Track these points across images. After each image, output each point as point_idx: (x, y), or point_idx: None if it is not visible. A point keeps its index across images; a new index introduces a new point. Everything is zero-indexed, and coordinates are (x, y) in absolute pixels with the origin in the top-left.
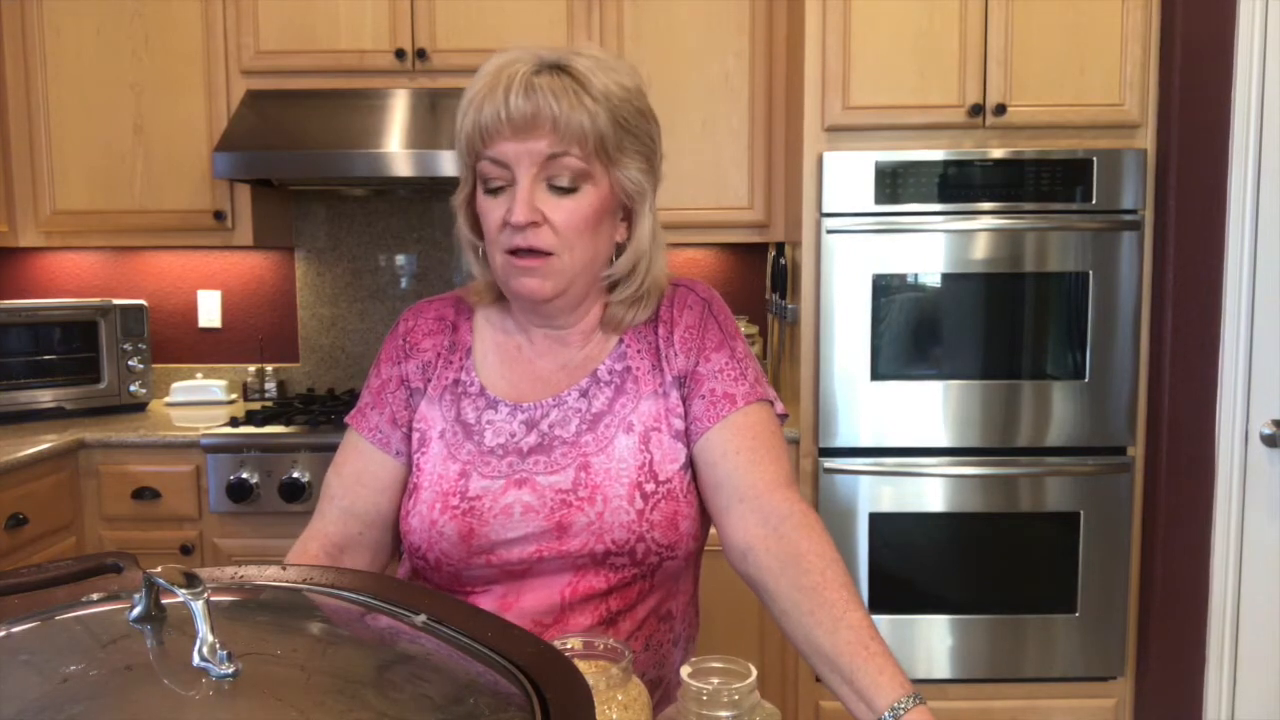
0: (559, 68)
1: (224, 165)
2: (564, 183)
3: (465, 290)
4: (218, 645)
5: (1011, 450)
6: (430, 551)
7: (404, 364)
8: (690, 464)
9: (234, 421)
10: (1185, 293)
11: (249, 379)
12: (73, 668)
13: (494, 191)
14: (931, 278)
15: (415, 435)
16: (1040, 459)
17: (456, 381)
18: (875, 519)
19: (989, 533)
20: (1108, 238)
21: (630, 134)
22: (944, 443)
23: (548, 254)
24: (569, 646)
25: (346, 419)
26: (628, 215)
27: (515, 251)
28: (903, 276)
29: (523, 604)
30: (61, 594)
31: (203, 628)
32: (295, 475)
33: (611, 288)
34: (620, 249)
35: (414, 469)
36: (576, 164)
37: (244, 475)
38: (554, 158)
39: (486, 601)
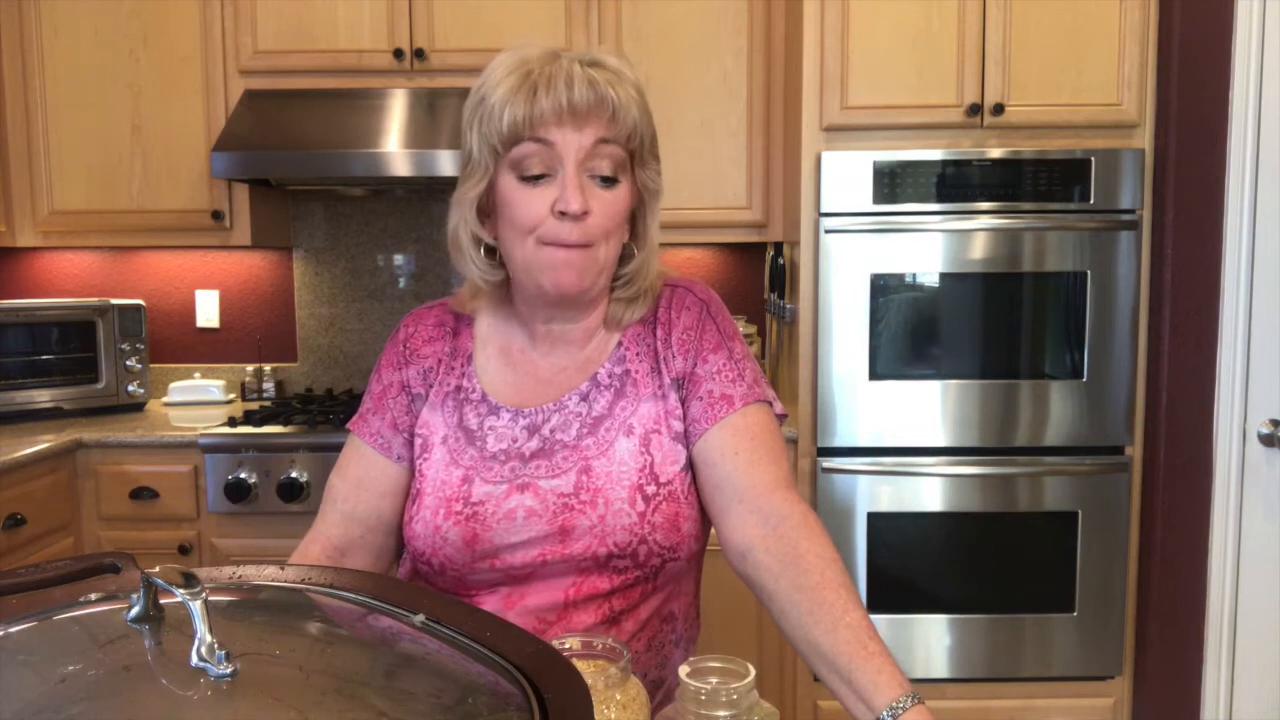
0: (597, 63)
1: (222, 165)
2: (606, 171)
3: (456, 301)
4: (216, 645)
5: (1009, 450)
6: (434, 557)
7: (405, 370)
8: (690, 465)
9: (232, 421)
10: (1183, 292)
11: (247, 379)
12: (71, 668)
13: (532, 184)
14: (930, 277)
15: (418, 441)
16: (1038, 459)
17: (458, 388)
18: (874, 519)
19: (987, 532)
20: (1106, 237)
21: (652, 134)
22: (942, 442)
23: (589, 245)
24: (567, 646)
25: (348, 425)
26: (632, 216)
27: (555, 243)
28: (901, 276)
29: (525, 604)
30: (59, 594)
31: (201, 628)
32: (293, 475)
33: (612, 286)
34: (626, 248)
35: (417, 475)
36: (619, 154)
37: (242, 475)
38: (602, 142)
39: (490, 603)
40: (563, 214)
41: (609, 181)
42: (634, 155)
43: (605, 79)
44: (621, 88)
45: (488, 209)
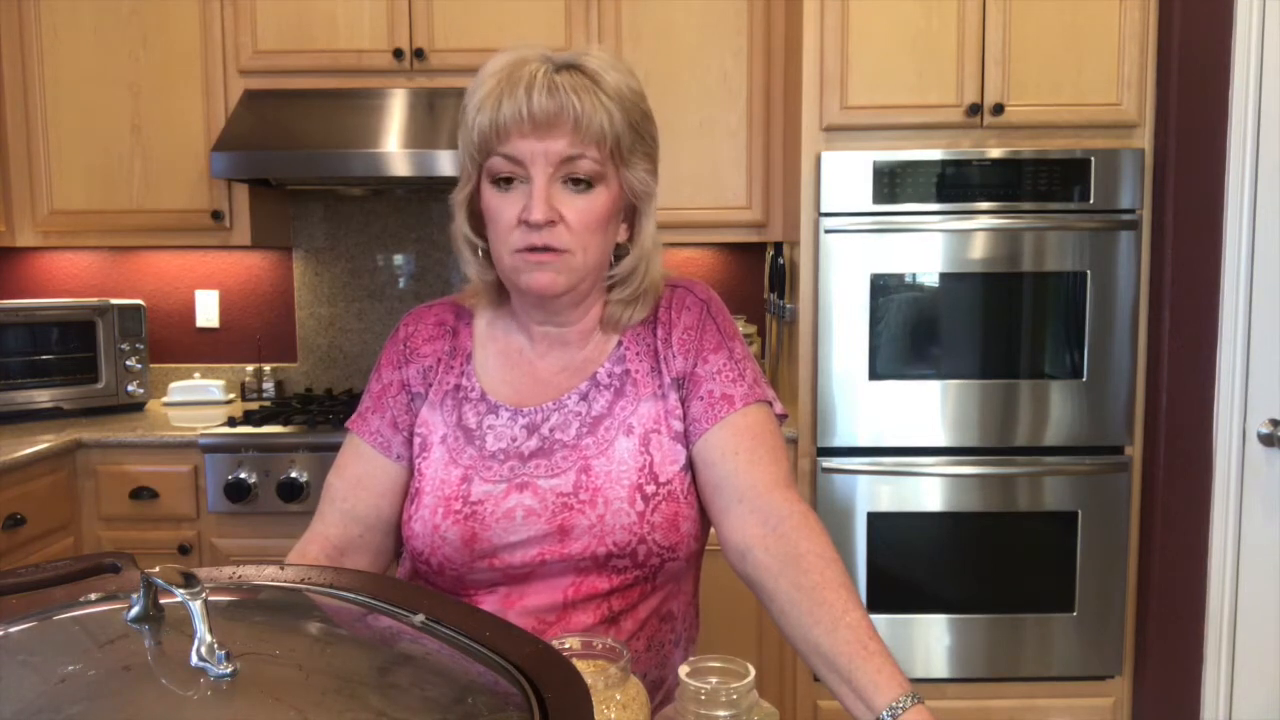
0: (573, 66)
1: (222, 165)
2: (580, 179)
3: (461, 295)
4: (216, 645)
5: (1009, 450)
6: (433, 556)
7: (405, 369)
8: (690, 465)
9: (232, 421)
10: (1183, 292)
11: (247, 379)
12: (71, 668)
13: (504, 189)
14: (929, 277)
15: (417, 440)
16: (1038, 458)
17: (457, 387)
18: (873, 518)
19: (987, 532)
20: (1105, 237)
21: (640, 136)
22: (942, 442)
23: (562, 251)
24: (567, 646)
25: (347, 424)
26: (629, 216)
27: (529, 249)
28: (901, 276)
29: (524, 604)
30: (59, 594)
31: (201, 628)
32: (293, 475)
33: (609, 288)
34: (621, 249)
35: (416, 474)
36: (592, 165)
37: (242, 475)
38: (570, 160)
39: (489, 603)
40: (527, 223)
41: (583, 185)
42: (613, 157)
43: (573, 85)
44: (588, 94)
45: (478, 212)
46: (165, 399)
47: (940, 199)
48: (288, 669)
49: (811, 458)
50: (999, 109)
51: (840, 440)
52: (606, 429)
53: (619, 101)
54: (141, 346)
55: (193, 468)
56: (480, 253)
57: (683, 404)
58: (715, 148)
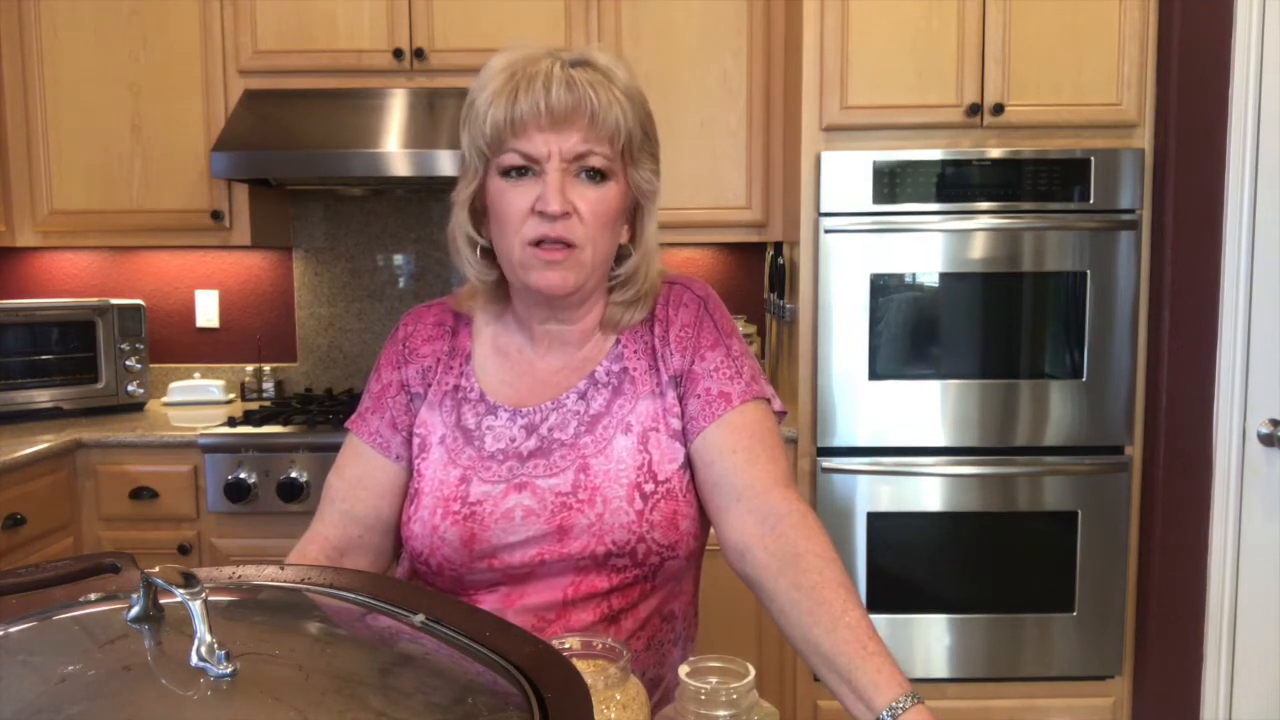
0: (585, 63)
1: (222, 165)
2: (594, 169)
3: (455, 299)
4: (216, 645)
5: (1009, 450)
6: (433, 557)
7: (404, 369)
8: (689, 463)
9: (231, 421)
10: (1183, 292)
11: (247, 379)
12: (70, 668)
13: (516, 179)
14: (929, 277)
15: (416, 440)
16: (1038, 458)
17: (456, 387)
18: (873, 518)
19: (987, 532)
20: (1105, 237)
21: (646, 135)
22: (942, 442)
23: (573, 246)
24: (567, 646)
25: (347, 424)
26: (631, 218)
27: (540, 242)
28: (900, 276)
29: (524, 603)
30: (59, 594)
31: (201, 628)
32: (293, 475)
33: (611, 289)
34: (623, 250)
35: (415, 474)
36: (603, 161)
37: (242, 475)
38: (582, 156)
39: (488, 603)
40: (542, 214)
41: (596, 176)
42: (624, 155)
43: (588, 79)
44: (604, 89)
45: (481, 210)
46: (165, 399)
47: (940, 199)
48: (288, 669)
49: (811, 458)
50: (999, 109)
51: (840, 440)
52: (605, 427)
53: (630, 97)
54: (141, 346)
55: (193, 468)
56: (480, 251)
57: (680, 402)
58: (715, 148)
